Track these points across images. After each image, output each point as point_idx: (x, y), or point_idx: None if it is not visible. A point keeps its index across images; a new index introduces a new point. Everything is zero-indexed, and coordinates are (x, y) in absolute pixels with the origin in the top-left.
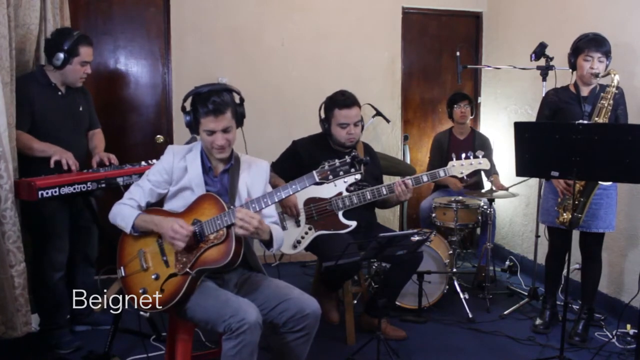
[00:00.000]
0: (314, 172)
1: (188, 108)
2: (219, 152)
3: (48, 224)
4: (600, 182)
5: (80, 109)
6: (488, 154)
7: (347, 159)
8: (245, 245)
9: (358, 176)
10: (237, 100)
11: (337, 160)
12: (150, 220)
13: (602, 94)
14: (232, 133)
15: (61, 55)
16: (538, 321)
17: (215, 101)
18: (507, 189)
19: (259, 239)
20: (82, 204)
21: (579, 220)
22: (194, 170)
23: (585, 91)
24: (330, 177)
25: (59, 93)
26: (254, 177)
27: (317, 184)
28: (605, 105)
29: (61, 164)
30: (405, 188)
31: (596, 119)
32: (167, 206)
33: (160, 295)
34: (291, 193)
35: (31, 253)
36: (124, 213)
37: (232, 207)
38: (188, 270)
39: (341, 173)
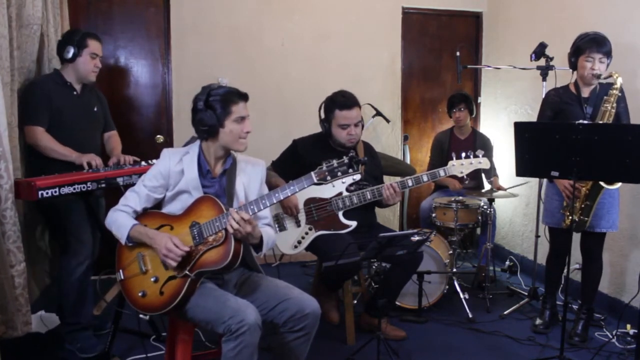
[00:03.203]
0: (312, 173)
1: (204, 106)
2: (245, 141)
3: (68, 215)
4: (606, 186)
5: (95, 109)
6: (489, 155)
7: (345, 159)
8: (244, 246)
9: (357, 176)
10: None
11: (335, 161)
12: (145, 232)
13: (605, 97)
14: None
15: (71, 49)
16: (538, 321)
17: (238, 90)
18: (505, 190)
19: (249, 243)
20: (94, 204)
21: (586, 223)
22: (190, 173)
23: (585, 92)
24: (329, 177)
25: (75, 92)
26: (250, 178)
27: (315, 184)
28: (609, 108)
29: (90, 166)
30: (394, 192)
31: (600, 122)
32: (166, 209)
33: (160, 298)
34: (289, 194)
35: (54, 249)
36: (120, 222)
37: (230, 208)
38: (187, 272)
39: (339, 174)
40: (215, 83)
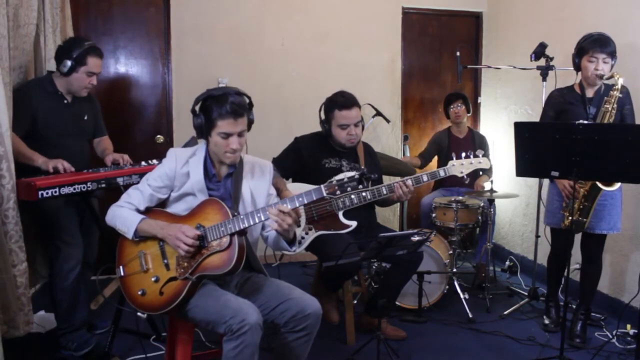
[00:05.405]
0: (322, 186)
1: (198, 110)
2: (232, 156)
3: (54, 219)
4: (604, 188)
5: (85, 117)
6: (487, 154)
7: (356, 175)
8: (248, 248)
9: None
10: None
11: (345, 177)
12: (155, 224)
13: (605, 97)
14: (245, 137)
15: (69, 63)
16: (547, 320)
17: (234, 103)
18: (482, 189)
19: (285, 238)
20: (84, 205)
21: (584, 224)
22: (196, 175)
23: (590, 92)
24: (338, 192)
25: (65, 101)
26: (257, 181)
27: (323, 197)
28: (609, 109)
29: (57, 170)
30: (407, 189)
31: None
32: (170, 209)
33: (159, 298)
34: (297, 205)
35: (46, 254)
36: (125, 216)
37: (236, 214)
38: (188, 275)
39: (349, 189)
40: (218, 87)
